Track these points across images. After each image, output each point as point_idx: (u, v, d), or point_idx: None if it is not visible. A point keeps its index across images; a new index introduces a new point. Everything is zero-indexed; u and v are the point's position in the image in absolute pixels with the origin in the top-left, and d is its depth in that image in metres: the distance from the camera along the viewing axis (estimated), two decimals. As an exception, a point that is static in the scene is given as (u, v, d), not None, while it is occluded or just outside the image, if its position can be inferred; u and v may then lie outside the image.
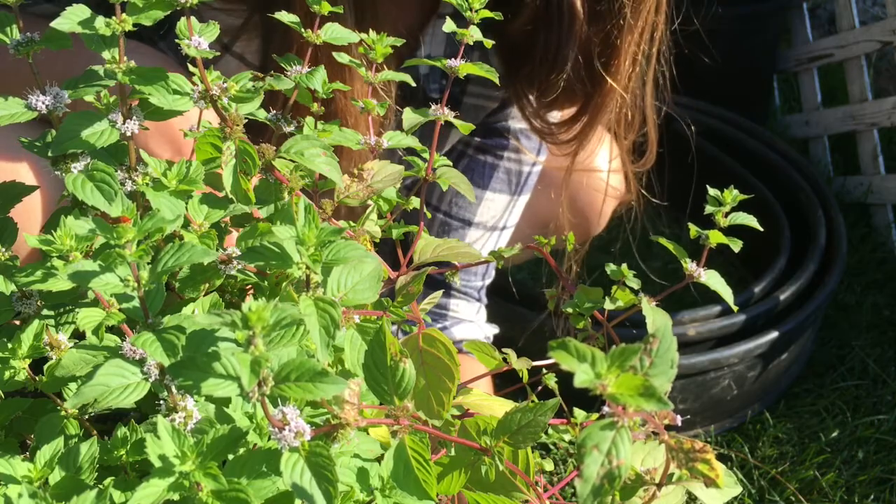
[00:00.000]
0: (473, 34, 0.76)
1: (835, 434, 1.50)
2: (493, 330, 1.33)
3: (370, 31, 0.78)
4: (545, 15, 1.04)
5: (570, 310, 0.86)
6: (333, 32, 0.75)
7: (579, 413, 0.91)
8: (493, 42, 0.78)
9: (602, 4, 1.03)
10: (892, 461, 1.44)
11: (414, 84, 0.83)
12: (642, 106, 1.16)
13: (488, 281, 1.34)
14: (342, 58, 0.79)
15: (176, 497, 0.54)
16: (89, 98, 0.66)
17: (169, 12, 0.62)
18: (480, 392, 0.83)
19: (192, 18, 0.63)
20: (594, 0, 1.03)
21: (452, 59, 0.77)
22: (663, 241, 0.79)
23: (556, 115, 1.18)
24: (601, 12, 1.04)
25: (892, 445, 1.47)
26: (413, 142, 0.79)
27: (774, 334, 1.49)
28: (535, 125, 1.17)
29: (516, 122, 1.27)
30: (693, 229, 0.77)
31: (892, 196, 1.95)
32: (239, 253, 0.69)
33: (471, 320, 1.31)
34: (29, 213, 0.85)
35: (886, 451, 1.47)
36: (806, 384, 1.62)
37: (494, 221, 1.30)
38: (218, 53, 0.64)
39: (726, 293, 0.78)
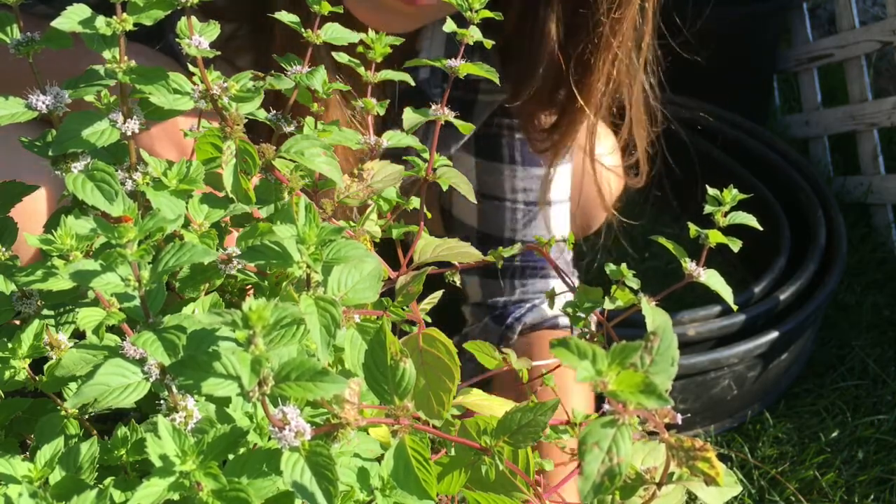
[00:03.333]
0: (473, 34, 0.76)
1: (835, 434, 1.50)
2: None
3: (368, 31, 0.78)
4: (521, 27, 1.07)
5: (569, 309, 0.86)
6: (333, 32, 0.75)
7: (579, 413, 0.91)
8: (493, 42, 0.78)
9: (579, 20, 1.04)
10: (892, 461, 1.44)
11: (414, 84, 0.83)
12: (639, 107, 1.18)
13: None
14: (342, 57, 0.79)
15: (176, 497, 0.54)
16: (89, 98, 0.66)
17: (170, 11, 0.62)
18: (480, 392, 0.83)
19: (193, 18, 0.63)
20: (572, 17, 1.04)
21: (452, 59, 0.77)
22: (663, 240, 0.79)
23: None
24: (577, 29, 1.05)
25: (892, 445, 1.47)
26: (413, 141, 0.79)
27: (774, 334, 1.49)
28: (520, 125, 1.21)
29: None
30: (693, 229, 0.77)
31: (892, 196, 1.95)
32: (239, 252, 0.69)
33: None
34: (32, 214, 0.85)
35: (886, 451, 1.47)
36: (806, 384, 1.61)
37: (565, 193, 1.31)
38: (218, 53, 0.64)
39: (726, 293, 0.77)
